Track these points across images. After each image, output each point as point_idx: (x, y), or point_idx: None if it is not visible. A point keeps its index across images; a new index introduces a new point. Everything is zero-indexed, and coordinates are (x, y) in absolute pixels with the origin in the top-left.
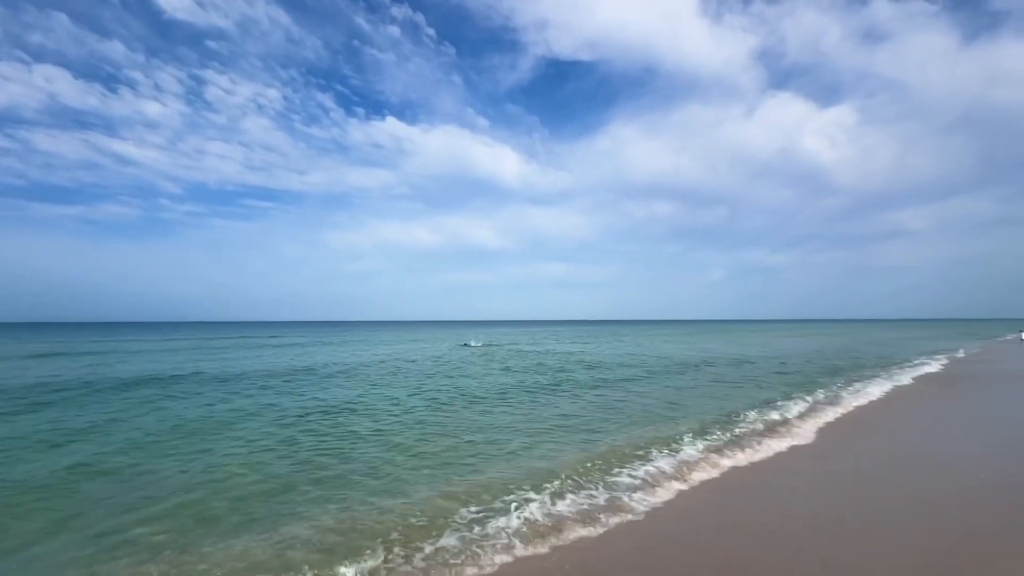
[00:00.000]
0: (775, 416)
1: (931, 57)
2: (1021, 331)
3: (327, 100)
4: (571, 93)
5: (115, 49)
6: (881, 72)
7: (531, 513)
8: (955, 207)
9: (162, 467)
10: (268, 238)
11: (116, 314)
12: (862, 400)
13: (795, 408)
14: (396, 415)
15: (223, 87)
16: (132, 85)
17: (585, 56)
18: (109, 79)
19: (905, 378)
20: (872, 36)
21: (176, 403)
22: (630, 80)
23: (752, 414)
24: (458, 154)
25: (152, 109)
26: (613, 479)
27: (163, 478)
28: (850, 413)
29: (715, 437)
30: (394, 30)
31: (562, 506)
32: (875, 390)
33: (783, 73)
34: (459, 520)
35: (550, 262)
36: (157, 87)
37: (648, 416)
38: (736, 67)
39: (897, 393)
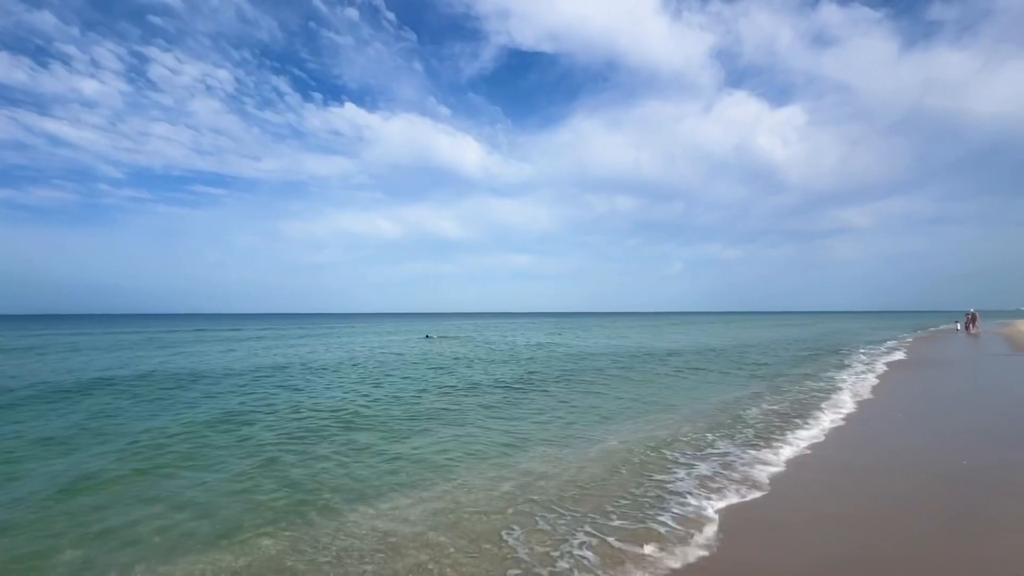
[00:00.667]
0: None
1: (874, 62)
2: (956, 321)
3: (282, 84)
4: (534, 85)
5: (45, 20)
6: (829, 75)
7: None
8: (894, 206)
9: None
10: (221, 227)
11: (54, 306)
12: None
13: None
14: (384, 415)
15: (168, 66)
16: (65, 60)
17: (547, 48)
18: (39, 53)
19: (879, 363)
20: (821, 40)
21: (131, 411)
22: (592, 74)
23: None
24: (419, 143)
25: (89, 87)
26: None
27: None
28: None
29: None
30: (352, 12)
31: None
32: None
33: (739, 72)
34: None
35: (513, 254)
36: (94, 63)
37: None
38: (694, 65)
39: (887, 374)
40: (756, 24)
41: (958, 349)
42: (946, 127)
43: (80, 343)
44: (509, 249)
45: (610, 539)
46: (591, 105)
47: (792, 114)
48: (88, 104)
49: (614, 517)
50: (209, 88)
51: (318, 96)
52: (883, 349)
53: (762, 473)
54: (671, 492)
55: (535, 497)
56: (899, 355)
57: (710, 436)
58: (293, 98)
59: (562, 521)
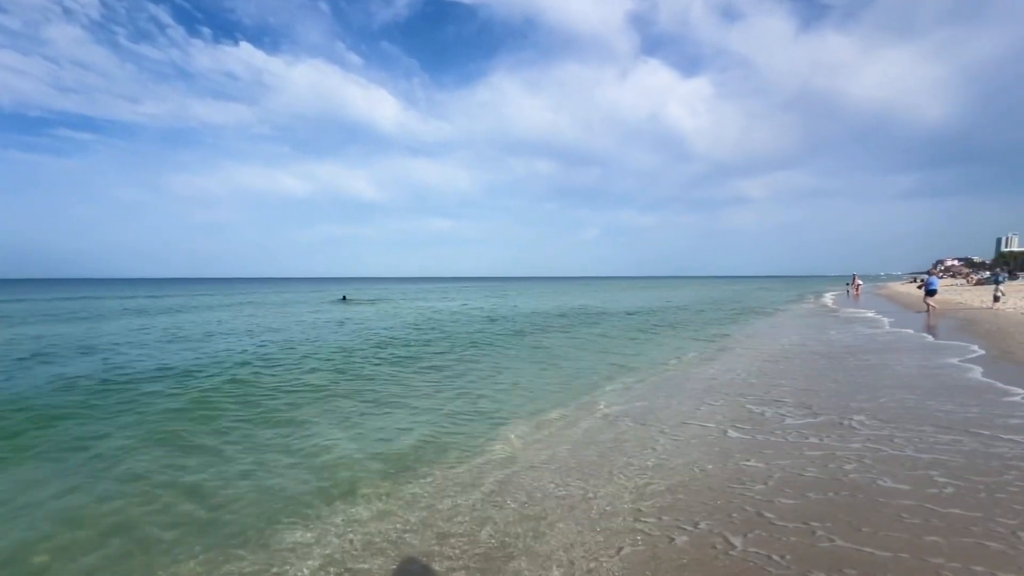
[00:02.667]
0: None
1: (774, 40)
2: (848, 283)
3: (161, 14)
4: (452, 37)
5: None
6: (735, 49)
7: None
8: (784, 179)
9: None
10: (93, 179)
11: None
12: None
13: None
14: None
15: None
16: None
17: None
18: None
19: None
20: (729, 14)
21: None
22: (511, 30)
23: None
24: (328, 93)
25: None
26: None
27: None
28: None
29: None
30: None
31: None
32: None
33: (653, 40)
34: None
35: (433, 217)
36: None
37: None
38: (612, 29)
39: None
40: None
41: (875, 305)
42: (828, 107)
43: None
44: (429, 212)
45: None
46: (510, 63)
47: (700, 86)
48: None
49: None
50: (68, 12)
51: (206, 31)
52: (815, 306)
53: None
54: None
55: None
56: (827, 308)
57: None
58: (176, 31)
59: None
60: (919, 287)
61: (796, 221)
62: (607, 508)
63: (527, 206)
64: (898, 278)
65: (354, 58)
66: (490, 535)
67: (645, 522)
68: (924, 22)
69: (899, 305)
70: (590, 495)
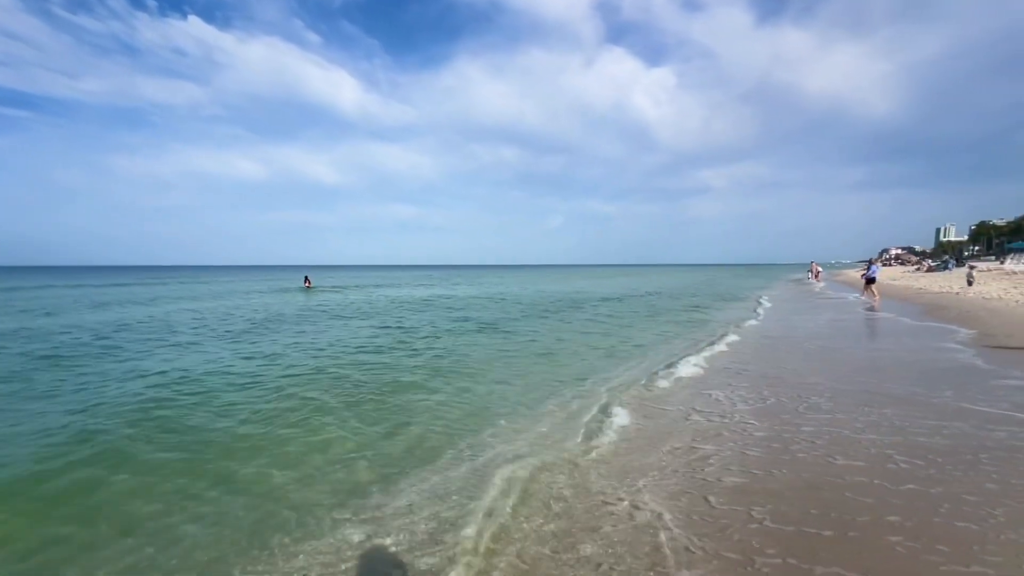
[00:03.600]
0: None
1: (734, 32)
2: (808, 272)
3: None
4: (414, 18)
5: None
6: (697, 40)
7: None
8: (744, 169)
9: None
10: (28, 159)
11: None
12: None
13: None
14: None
15: None
16: None
17: None
18: None
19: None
20: (691, 4)
21: None
22: (476, 12)
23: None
24: (285, 73)
25: None
26: None
27: None
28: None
29: None
30: None
31: None
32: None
33: (618, 28)
34: None
35: (396, 203)
36: None
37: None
38: (577, 15)
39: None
40: None
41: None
42: (786, 100)
43: None
44: (392, 199)
45: None
46: (474, 48)
47: (664, 76)
48: None
49: None
50: None
51: (151, 3)
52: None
53: None
54: None
55: None
56: (797, 295)
57: None
58: (117, 2)
59: None
60: (861, 275)
61: (755, 211)
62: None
63: (493, 193)
64: (848, 266)
65: (312, 37)
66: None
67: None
68: (875, 19)
69: (858, 291)
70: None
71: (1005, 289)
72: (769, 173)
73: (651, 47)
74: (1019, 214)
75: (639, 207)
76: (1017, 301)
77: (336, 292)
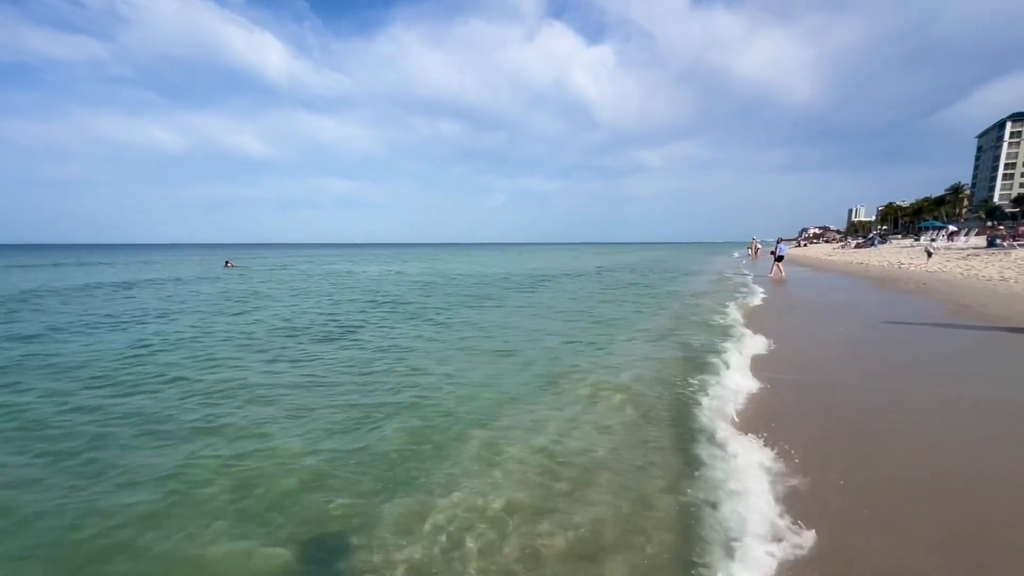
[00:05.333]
0: None
1: (671, 13)
2: (748, 248)
3: None
4: None
5: None
6: (635, 19)
7: None
8: (679, 149)
9: None
10: None
11: None
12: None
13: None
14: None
15: None
16: None
17: None
18: None
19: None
20: None
21: None
22: None
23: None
24: (202, 32)
25: None
26: None
27: None
28: None
29: None
30: None
31: None
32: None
33: (559, 2)
34: None
35: (331, 178)
36: None
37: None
38: None
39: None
40: None
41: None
42: (718, 82)
43: None
44: (327, 173)
45: None
46: (411, 15)
47: (604, 54)
48: None
49: None
50: None
51: None
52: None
53: None
54: None
55: None
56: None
57: None
58: None
59: None
60: (771, 252)
61: (689, 190)
62: None
63: (433, 169)
64: (770, 244)
65: None
66: None
67: None
68: (799, 6)
69: (808, 267)
70: None
71: (941, 264)
72: (702, 153)
73: (591, 24)
74: (921, 196)
75: (580, 185)
76: (963, 273)
77: (258, 273)
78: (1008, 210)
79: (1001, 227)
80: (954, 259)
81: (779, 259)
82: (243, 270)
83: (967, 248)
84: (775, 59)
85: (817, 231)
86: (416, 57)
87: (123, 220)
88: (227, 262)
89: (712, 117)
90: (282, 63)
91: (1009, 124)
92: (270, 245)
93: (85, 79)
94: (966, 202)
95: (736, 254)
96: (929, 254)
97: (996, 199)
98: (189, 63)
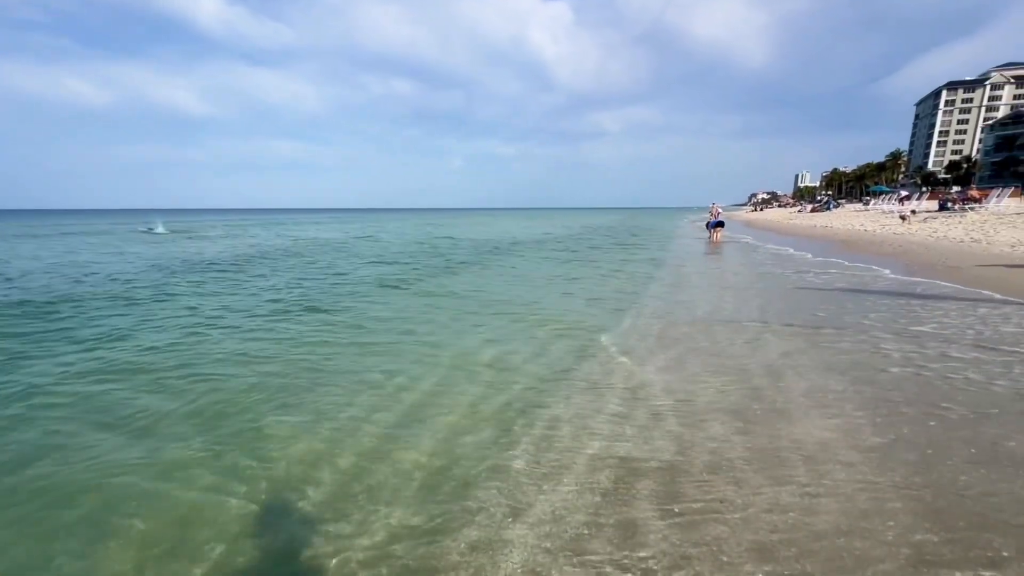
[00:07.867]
0: None
1: None
2: (709, 213)
3: None
4: None
5: None
6: None
7: None
8: (636, 114)
9: None
10: None
11: None
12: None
13: None
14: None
15: None
16: None
17: None
18: None
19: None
20: None
21: None
22: None
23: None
24: None
25: None
26: None
27: None
28: None
29: None
30: None
31: None
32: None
33: None
34: None
35: (277, 139)
36: None
37: None
38: None
39: None
40: None
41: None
42: (678, 45)
43: None
44: (272, 133)
45: None
46: None
47: (560, 10)
48: None
49: None
50: None
51: None
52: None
53: None
54: None
55: None
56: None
57: None
58: None
59: None
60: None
61: (646, 156)
62: None
63: (387, 131)
64: (728, 208)
65: None
66: None
67: None
68: None
69: (774, 231)
70: None
71: (907, 228)
72: (660, 117)
73: None
74: (863, 162)
75: (538, 149)
76: (931, 236)
77: (191, 239)
78: (941, 176)
79: (952, 192)
80: (915, 223)
81: (719, 225)
82: (173, 235)
83: (922, 212)
84: (732, 23)
85: (765, 196)
86: (364, 7)
87: (39, 182)
88: (149, 228)
89: (669, 81)
90: (215, 9)
91: (944, 92)
92: (212, 210)
93: None
94: (903, 168)
95: (691, 219)
96: (903, 218)
97: (931, 165)
98: (108, 6)
